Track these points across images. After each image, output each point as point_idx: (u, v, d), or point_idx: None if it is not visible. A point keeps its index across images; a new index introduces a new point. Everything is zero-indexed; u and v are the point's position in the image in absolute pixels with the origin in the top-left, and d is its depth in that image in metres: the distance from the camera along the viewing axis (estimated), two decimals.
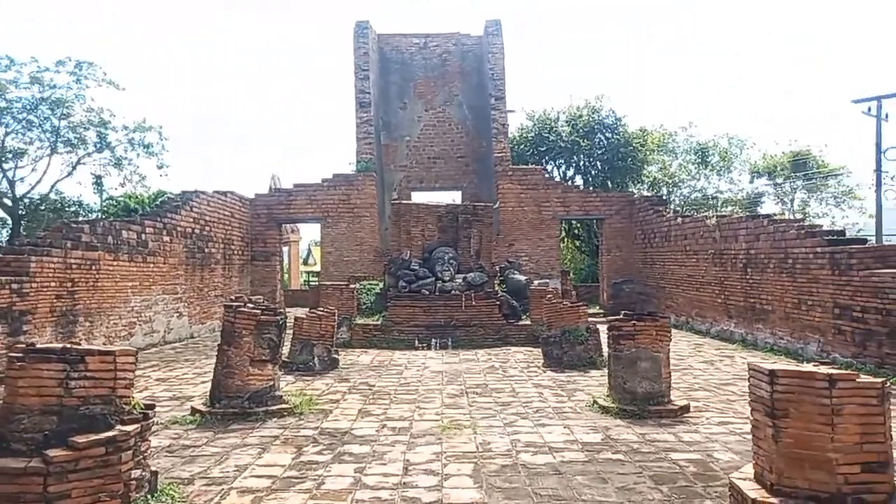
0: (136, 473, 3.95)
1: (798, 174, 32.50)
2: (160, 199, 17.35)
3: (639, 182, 27.52)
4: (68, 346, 3.83)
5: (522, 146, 25.11)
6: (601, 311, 18.41)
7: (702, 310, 15.30)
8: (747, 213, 20.21)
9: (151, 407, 4.28)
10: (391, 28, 24.63)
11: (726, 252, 13.96)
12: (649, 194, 24.13)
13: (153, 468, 4.36)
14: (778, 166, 32.91)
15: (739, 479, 4.01)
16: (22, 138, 22.95)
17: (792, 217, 25.60)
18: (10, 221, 23.32)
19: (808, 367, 3.90)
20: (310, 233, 36.20)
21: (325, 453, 5.61)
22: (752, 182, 34.05)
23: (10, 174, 22.78)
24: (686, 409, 7.07)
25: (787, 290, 11.67)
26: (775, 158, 33.29)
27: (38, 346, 3.85)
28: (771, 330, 12.23)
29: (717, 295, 14.41)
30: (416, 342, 12.88)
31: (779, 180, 33.25)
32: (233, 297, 7.81)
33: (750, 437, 4.17)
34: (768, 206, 33.26)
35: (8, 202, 22.83)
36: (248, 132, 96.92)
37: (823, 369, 3.75)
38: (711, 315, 14.78)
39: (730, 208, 31.44)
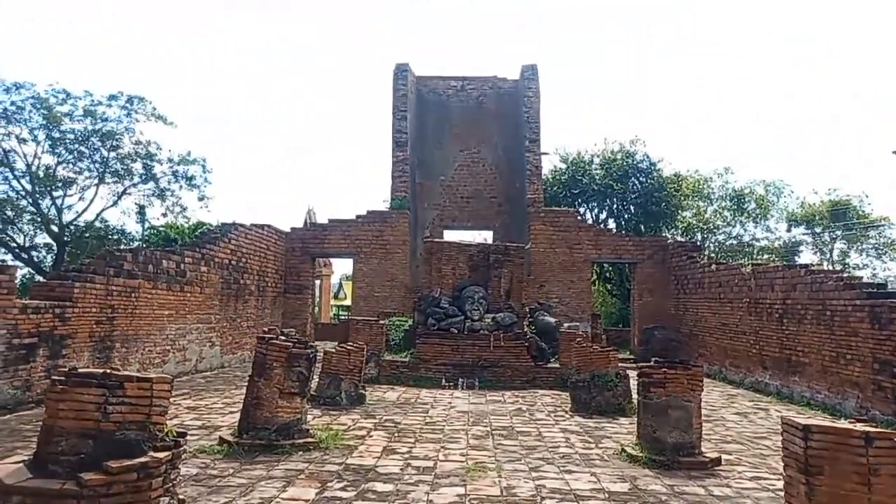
0: (164, 501, 4.00)
1: (838, 224, 31.89)
2: (200, 230, 17.83)
3: (672, 227, 27.32)
4: (108, 371, 3.95)
5: (555, 188, 25.22)
6: (631, 356, 18.13)
7: (735, 359, 14.97)
8: (784, 263, 19.84)
9: (183, 435, 4.36)
10: (429, 70, 25.11)
11: (762, 301, 13.70)
12: (683, 240, 23.92)
13: (181, 496, 4.42)
14: (816, 215, 32.39)
15: None
16: (72, 168, 23.93)
17: (831, 268, 25.03)
18: (55, 248, 24.13)
19: (843, 423, 3.82)
20: (342, 267, 36.64)
21: (348, 490, 5.61)
22: (789, 230, 33.54)
23: (58, 202, 23.68)
24: (717, 461, 6.89)
25: (824, 343, 11.37)
26: (814, 207, 32.78)
27: (80, 370, 3.97)
28: (807, 383, 11.89)
29: (752, 345, 14.09)
30: (444, 381, 12.83)
31: (817, 229, 32.66)
32: (265, 329, 7.94)
33: (783, 494, 4.06)
34: (806, 256, 32.67)
35: (55, 229, 23.66)
36: (288, 165, 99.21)
37: (860, 426, 3.67)
38: (745, 365, 14.44)
39: (766, 257, 30.94)
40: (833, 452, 3.57)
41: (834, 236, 32.64)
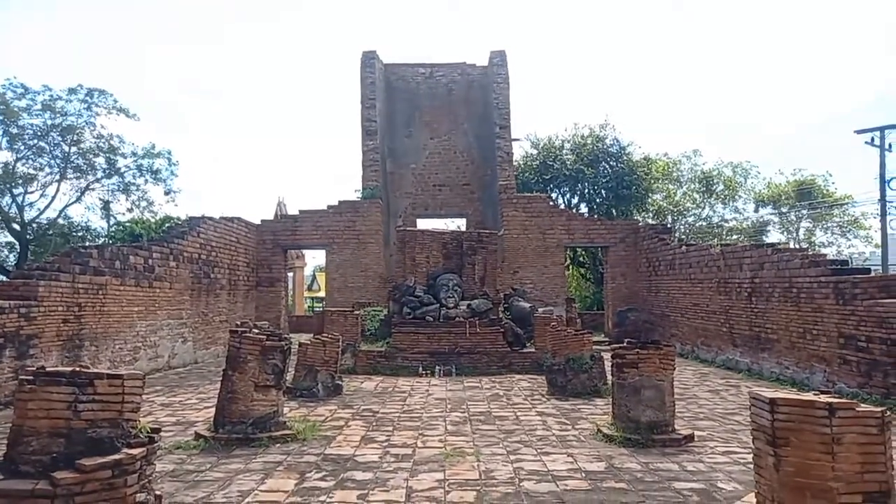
0: (140, 497, 3.97)
1: (803, 203, 32.58)
2: (167, 225, 17.55)
3: (643, 210, 27.66)
4: (77, 369, 3.88)
5: (527, 174, 25.32)
6: (606, 339, 18.36)
7: (707, 338, 15.26)
8: (752, 242, 20.24)
9: (157, 431, 4.31)
10: (397, 58, 24.92)
11: (731, 281, 13.97)
12: (654, 222, 24.25)
13: (157, 492, 4.38)
14: (783, 195, 33.04)
15: None
16: (32, 164, 23.38)
17: (797, 246, 25.63)
18: (18, 246, 23.56)
19: (808, 395, 3.93)
20: (314, 259, 36.38)
21: (327, 479, 5.61)
22: (756, 211, 34.17)
23: (19, 199, 23.14)
24: (690, 438, 7.04)
25: (792, 320, 11.66)
26: (780, 187, 33.43)
27: (49, 369, 3.90)
28: (776, 359, 12.18)
29: (723, 324, 14.38)
30: (420, 369, 12.87)
31: (784, 209, 33.33)
32: (238, 323, 7.87)
33: (753, 466, 4.17)
34: (773, 235, 33.34)
35: (16, 227, 23.10)
36: (256, 157, 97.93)
37: (824, 398, 3.77)
38: (716, 344, 14.74)
39: (735, 237, 31.50)
40: (798, 424, 3.67)
41: (800, 215, 33.36)
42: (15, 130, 22.36)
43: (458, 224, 24.81)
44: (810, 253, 12.32)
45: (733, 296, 13.89)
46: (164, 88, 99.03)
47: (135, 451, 3.89)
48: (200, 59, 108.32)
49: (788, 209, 33.19)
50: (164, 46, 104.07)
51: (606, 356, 9.06)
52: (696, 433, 7.29)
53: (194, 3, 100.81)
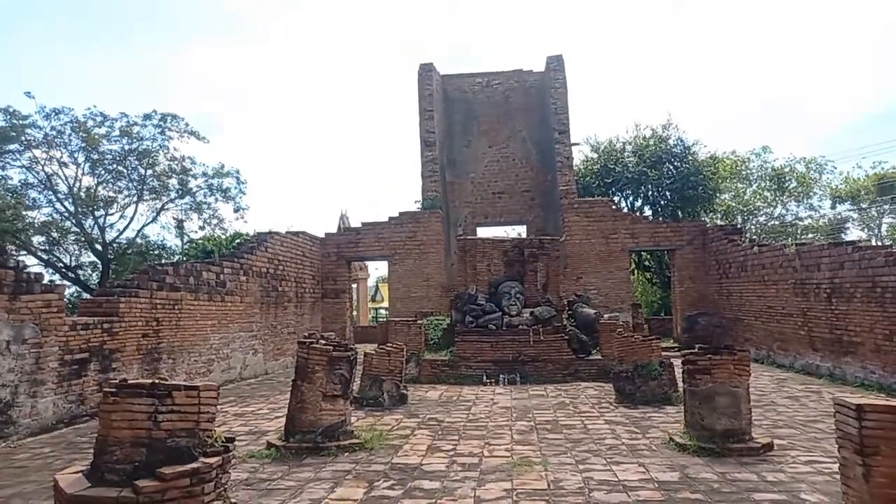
0: None
1: (884, 198, 30.83)
2: (237, 241, 18.19)
3: (711, 211, 26.78)
4: (156, 381, 4.05)
5: (588, 178, 24.96)
6: (675, 344, 17.83)
7: (783, 342, 14.60)
8: (830, 241, 19.28)
9: (231, 440, 4.44)
10: (454, 68, 25.11)
11: (808, 281, 13.33)
12: (723, 223, 23.42)
13: (233, 500, 4.51)
14: (862, 190, 31.36)
15: None
16: (112, 187, 24.70)
17: (879, 243, 24.23)
18: (100, 265, 24.90)
19: None
20: (377, 270, 36.89)
21: (396, 488, 5.65)
22: (833, 208, 32.58)
23: (100, 221, 24.43)
24: (769, 447, 6.73)
25: (877, 321, 11.01)
26: (859, 182, 31.76)
27: (130, 381, 4.09)
28: (861, 363, 11.52)
29: (800, 327, 13.72)
30: (484, 377, 12.82)
31: (863, 205, 31.62)
32: (306, 335, 8.05)
33: (839, 476, 3.95)
34: (853, 233, 31.66)
35: (99, 247, 24.41)
36: (320, 171, 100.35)
37: None
38: (794, 348, 14.07)
39: (811, 236, 30.10)
40: (889, 431, 3.45)
41: (881, 211, 31.57)
42: (96, 156, 23.70)
43: (519, 231, 24.66)
44: (895, 250, 11.62)
45: (811, 297, 13.25)
46: (228, 105, 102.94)
47: (211, 460, 4.02)
48: (262, 74, 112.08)
49: (869, 205, 31.45)
50: (224, 61, 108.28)
51: (676, 362, 8.80)
52: (776, 442, 6.96)
53: (247, 16, 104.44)
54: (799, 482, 5.60)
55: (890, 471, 3.42)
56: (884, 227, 32.08)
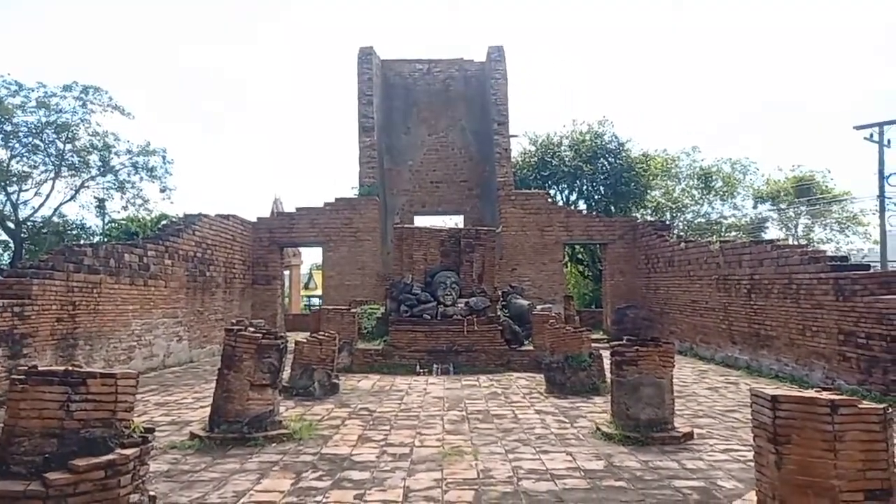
0: (134, 498, 3.91)
1: (802, 200, 32.60)
2: (163, 223, 17.48)
3: (642, 207, 27.62)
4: (70, 368, 3.83)
5: (525, 170, 25.27)
6: (605, 336, 18.33)
7: (706, 335, 15.23)
8: (751, 239, 20.22)
9: (151, 431, 4.25)
10: (395, 54, 24.84)
11: (730, 277, 13.94)
12: (653, 219, 24.21)
13: (152, 493, 4.32)
14: (782, 192, 33.05)
15: None
16: (27, 162, 23.29)
17: (796, 242, 25.62)
18: (12, 245, 23.46)
19: (810, 392, 3.88)
20: (311, 256, 36.28)
21: (324, 479, 5.56)
22: (755, 207, 34.21)
23: (13, 197, 23.03)
24: (690, 435, 7.00)
25: (791, 316, 11.63)
26: (779, 184, 33.44)
27: (41, 368, 3.85)
28: (776, 356, 12.16)
29: (721, 321, 14.35)
30: (418, 367, 12.81)
31: (782, 206, 33.34)
32: (234, 321, 7.80)
33: (753, 464, 4.13)
34: (772, 232, 33.36)
35: (11, 225, 22.99)
36: (252, 155, 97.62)
37: (826, 395, 3.73)
38: (715, 341, 14.71)
39: (733, 233, 31.51)
40: (800, 421, 3.63)
41: (798, 212, 33.38)
42: (9, 128, 22.25)
43: (456, 221, 24.75)
44: (810, 249, 12.29)
45: (732, 292, 13.86)
46: (157, 85, 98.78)
47: (128, 452, 3.84)
48: (196, 55, 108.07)
49: (787, 206, 33.19)
50: (159, 41, 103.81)
51: (605, 354, 9.01)
52: (696, 431, 7.25)
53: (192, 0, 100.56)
54: (716, 469, 5.85)
55: (800, 458, 3.60)
56: (800, 227, 33.95)
